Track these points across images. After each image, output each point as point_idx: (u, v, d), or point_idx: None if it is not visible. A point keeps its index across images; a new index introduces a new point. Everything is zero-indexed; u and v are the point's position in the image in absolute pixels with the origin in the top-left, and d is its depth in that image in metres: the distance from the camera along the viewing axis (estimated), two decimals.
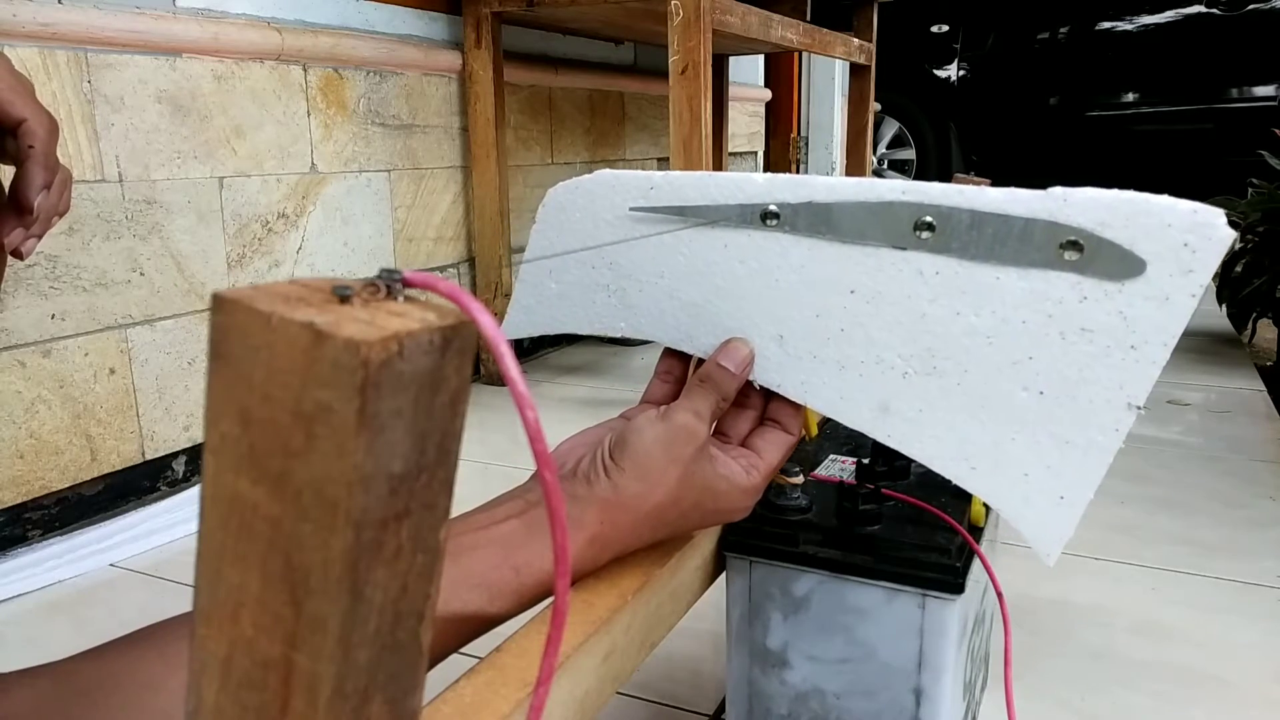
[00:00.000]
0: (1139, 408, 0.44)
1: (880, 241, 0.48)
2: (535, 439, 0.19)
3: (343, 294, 0.19)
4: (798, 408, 0.53)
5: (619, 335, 0.57)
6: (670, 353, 0.56)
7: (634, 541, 0.49)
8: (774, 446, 0.52)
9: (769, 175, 0.51)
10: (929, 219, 0.47)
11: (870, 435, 0.50)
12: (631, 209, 0.55)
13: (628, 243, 0.55)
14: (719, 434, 0.52)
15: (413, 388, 0.18)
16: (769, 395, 0.54)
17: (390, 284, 0.19)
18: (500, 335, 0.19)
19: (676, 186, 0.53)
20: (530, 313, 0.60)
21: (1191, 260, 0.42)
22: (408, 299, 0.19)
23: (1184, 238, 0.42)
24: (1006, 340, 0.46)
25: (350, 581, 0.18)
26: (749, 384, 0.53)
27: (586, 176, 0.56)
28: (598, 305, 0.57)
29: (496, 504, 0.47)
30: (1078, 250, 0.44)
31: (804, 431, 0.73)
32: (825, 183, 0.49)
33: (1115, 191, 0.43)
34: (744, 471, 0.50)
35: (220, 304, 0.18)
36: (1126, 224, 0.43)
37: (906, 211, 0.47)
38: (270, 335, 0.18)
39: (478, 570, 0.43)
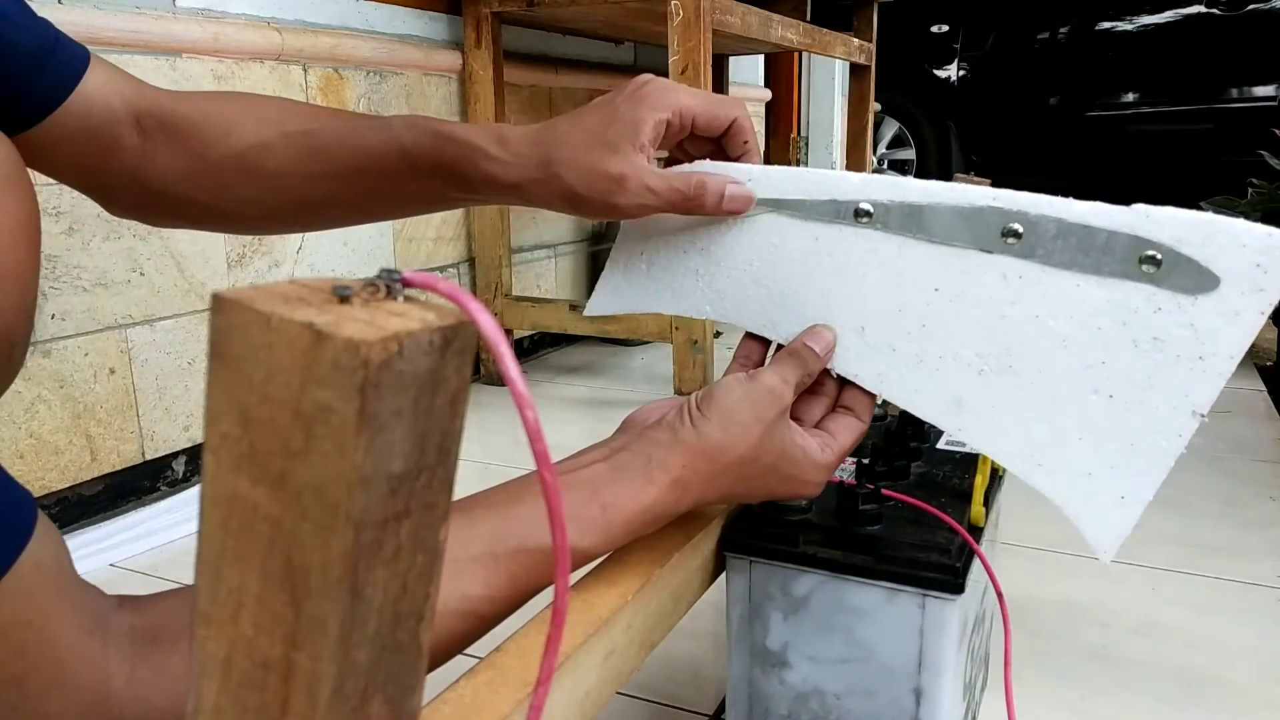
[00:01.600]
0: (1202, 416, 0.46)
1: (968, 244, 0.51)
2: (535, 439, 0.19)
3: (343, 294, 0.19)
4: (871, 397, 0.55)
5: (703, 317, 0.60)
6: (750, 338, 0.59)
7: (711, 492, 0.51)
8: (847, 430, 0.54)
9: (864, 175, 0.54)
10: (1017, 226, 0.49)
11: (941, 428, 0.53)
12: (731, 210, 0.57)
13: (720, 231, 0.58)
14: (793, 418, 0.54)
15: (413, 388, 0.18)
16: (843, 384, 0.56)
17: (390, 284, 0.19)
18: (500, 335, 0.19)
19: (774, 180, 0.56)
20: (618, 291, 0.63)
21: (1263, 280, 0.44)
22: (408, 299, 0.19)
23: (1257, 259, 0.44)
24: (1082, 345, 0.48)
25: (350, 582, 0.18)
26: (825, 371, 0.55)
27: (686, 165, 0.59)
28: (685, 288, 0.60)
29: (582, 453, 0.51)
30: (1155, 264, 0.46)
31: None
32: (918, 185, 0.52)
33: (1195, 212, 0.46)
34: (819, 447, 0.53)
35: (220, 304, 0.18)
36: (1204, 242, 0.45)
37: (996, 217, 0.50)
38: (270, 335, 0.18)
39: (568, 508, 0.46)
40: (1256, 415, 1.51)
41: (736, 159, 0.58)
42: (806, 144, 3.69)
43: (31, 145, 0.57)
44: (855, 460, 0.66)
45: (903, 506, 0.59)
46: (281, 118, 0.62)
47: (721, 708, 0.76)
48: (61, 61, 0.57)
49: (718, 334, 1.78)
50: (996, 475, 0.67)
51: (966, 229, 0.51)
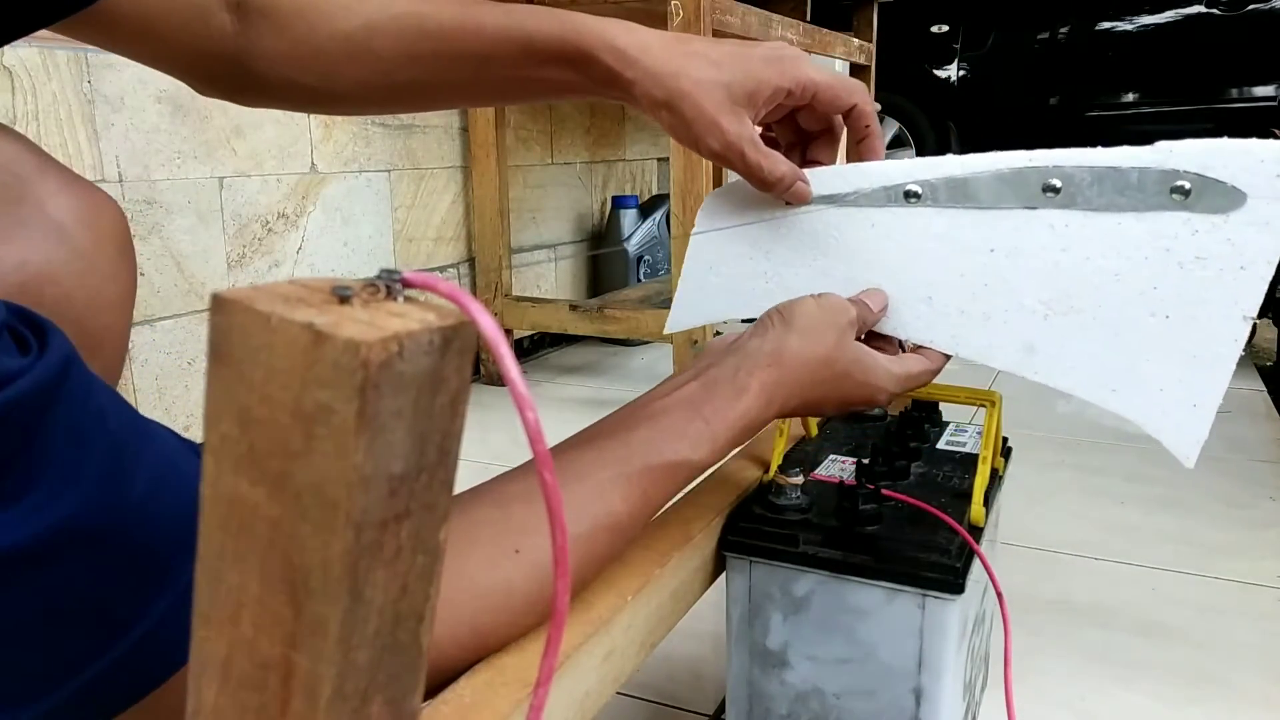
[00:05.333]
0: (1251, 318, 0.50)
1: (1013, 204, 0.56)
2: (535, 439, 0.19)
3: (342, 294, 0.19)
4: (944, 355, 0.59)
5: None
6: (879, 335, 0.61)
7: (795, 396, 0.54)
8: (915, 361, 0.58)
9: (908, 160, 0.58)
10: (1055, 181, 0.54)
11: (1018, 374, 0.55)
12: (788, 201, 0.61)
13: (784, 232, 0.62)
14: None
15: (412, 388, 0.18)
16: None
17: (390, 284, 0.19)
18: (500, 335, 0.19)
19: (823, 179, 0.60)
20: (694, 306, 0.66)
21: None
22: (407, 299, 0.19)
23: (1276, 170, 0.49)
24: (1132, 275, 0.53)
25: (350, 582, 0.18)
26: (890, 339, 0.59)
27: (741, 179, 0.62)
28: (757, 291, 0.63)
29: (670, 379, 0.55)
30: (1185, 193, 0.51)
31: (805, 430, 0.73)
32: (958, 160, 0.57)
33: (1211, 139, 0.51)
34: (888, 360, 0.57)
35: (220, 304, 0.18)
36: (1226, 164, 0.50)
37: (1035, 176, 0.55)
38: (270, 336, 0.18)
39: (676, 425, 0.51)
40: (1256, 415, 1.51)
41: (859, 142, 0.62)
42: None
43: (120, 19, 0.56)
44: (855, 460, 0.66)
45: (903, 506, 0.59)
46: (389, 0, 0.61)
47: (721, 708, 0.75)
48: None
49: (717, 333, 1.78)
50: (996, 475, 0.67)
51: (1009, 191, 0.55)
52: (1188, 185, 0.51)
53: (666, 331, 0.69)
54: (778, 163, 0.58)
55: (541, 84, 0.60)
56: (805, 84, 0.58)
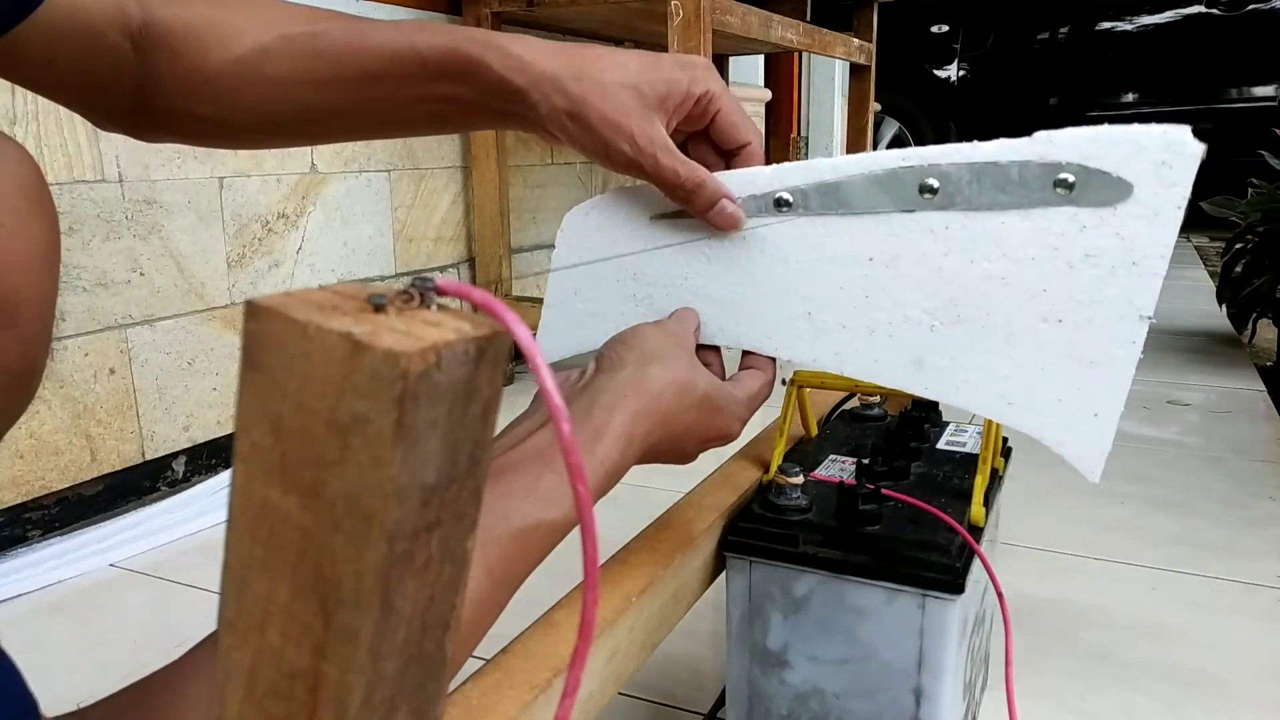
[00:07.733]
0: (1149, 318, 0.47)
1: (890, 208, 0.52)
2: (569, 452, 0.19)
3: (377, 303, 0.19)
4: (770, 358, 0.57)
5: None
6: (703, 347, 0.58)
7: (659, 428, 0.49)
8: (751, 378, 0.56)
9: (775, 166, 0.54)
10: (931, 181, 0.50)
11: (909, 391, 0.53)
12: (653, 217, 0.57)
13: (651, 251, 0.57)
14: None
15: (448, 398, 0.18)
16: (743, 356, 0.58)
17: (424, 292, 0.19)
18: (534, 346, 0.19)
19: None
20: (561, 336, 0.62)
21: (1171, 175, 0.46)
22: (440, 307, 0.19)
23: (1160, 157, 0.46)
24: (1020, 278, 0.49)
25: (382, 593, 0.18)
26: (711, 349, 0.57)
27: (605, 195, 0.59)
28: (627, 316, 0.59)
29: (514, 426, 0.49)
30: (1069, 186, 0.48)
31: (805, 430, 0.73)
32: (829, 163, 0.53)
33: (1093, 127, 0.47)
34: (732, 385, 0.54)
35: (255, 311, 0.18)
36: (1109, 153, 0.47)
37: (910, 176, 0.51)
38: (306, 344, 0.18)
39: (524, 483, 0.44)
40: (1256, 415, 1.52)
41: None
42: (806, 144, 3.69)
43: (18, 49, 0.53)
44: (855, 460, 0.66)
45: (903, 506, 0.59)
46: (281, 19, 0.58)
47: (717, 706, 0.76)
48: None
49: None
50: (996, 475, 0.67)
51: (884, 194, 0.52)
52: (1071, 178, 0.47)
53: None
54: (695, 168, 0.53)
55: (435, 102, 0.57)
56: (715, 94, 0.54)
